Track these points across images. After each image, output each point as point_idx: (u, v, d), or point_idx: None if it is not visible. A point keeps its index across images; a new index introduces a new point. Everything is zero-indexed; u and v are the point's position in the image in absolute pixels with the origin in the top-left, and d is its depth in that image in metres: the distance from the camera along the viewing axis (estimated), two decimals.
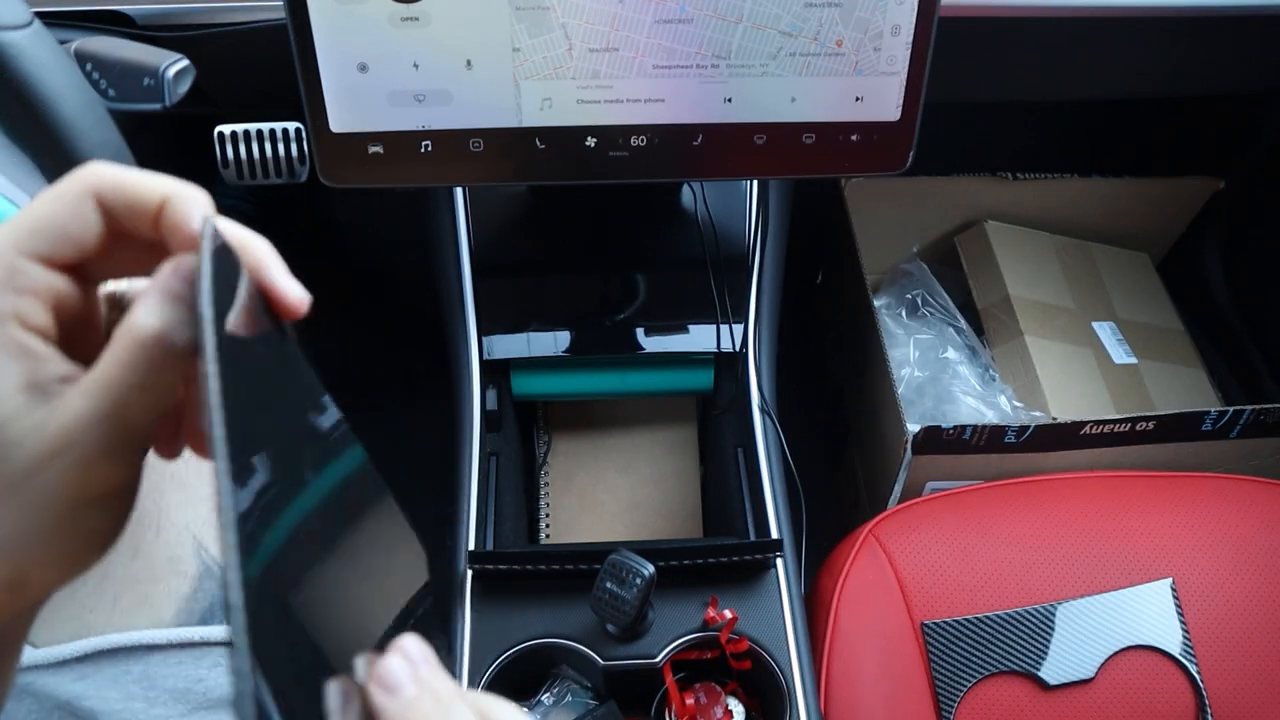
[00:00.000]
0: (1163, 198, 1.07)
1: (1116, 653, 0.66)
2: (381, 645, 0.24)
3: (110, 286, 0.27)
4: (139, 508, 0.47)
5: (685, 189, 0.81)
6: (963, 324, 1.00)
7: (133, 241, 0.25)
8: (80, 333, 0.25)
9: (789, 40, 0.59)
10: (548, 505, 0.84)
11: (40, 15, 0.39)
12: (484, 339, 0.75)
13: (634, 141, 0.62)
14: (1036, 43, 0.74)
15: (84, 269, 0.25)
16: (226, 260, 0.24)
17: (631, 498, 0.85)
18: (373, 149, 0.60)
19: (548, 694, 0.63)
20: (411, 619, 0.27)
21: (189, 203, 0.24)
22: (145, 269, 0.25)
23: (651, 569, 0.58)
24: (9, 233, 0.23)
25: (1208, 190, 1.06)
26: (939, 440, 0.80)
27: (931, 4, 0.58)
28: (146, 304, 0.23)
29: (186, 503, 0.54)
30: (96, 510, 0.24)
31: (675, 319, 0.78)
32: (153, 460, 0.49)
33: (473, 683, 0.61)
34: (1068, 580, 0.69)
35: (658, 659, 0.61)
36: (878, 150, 0.63)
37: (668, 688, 0.62)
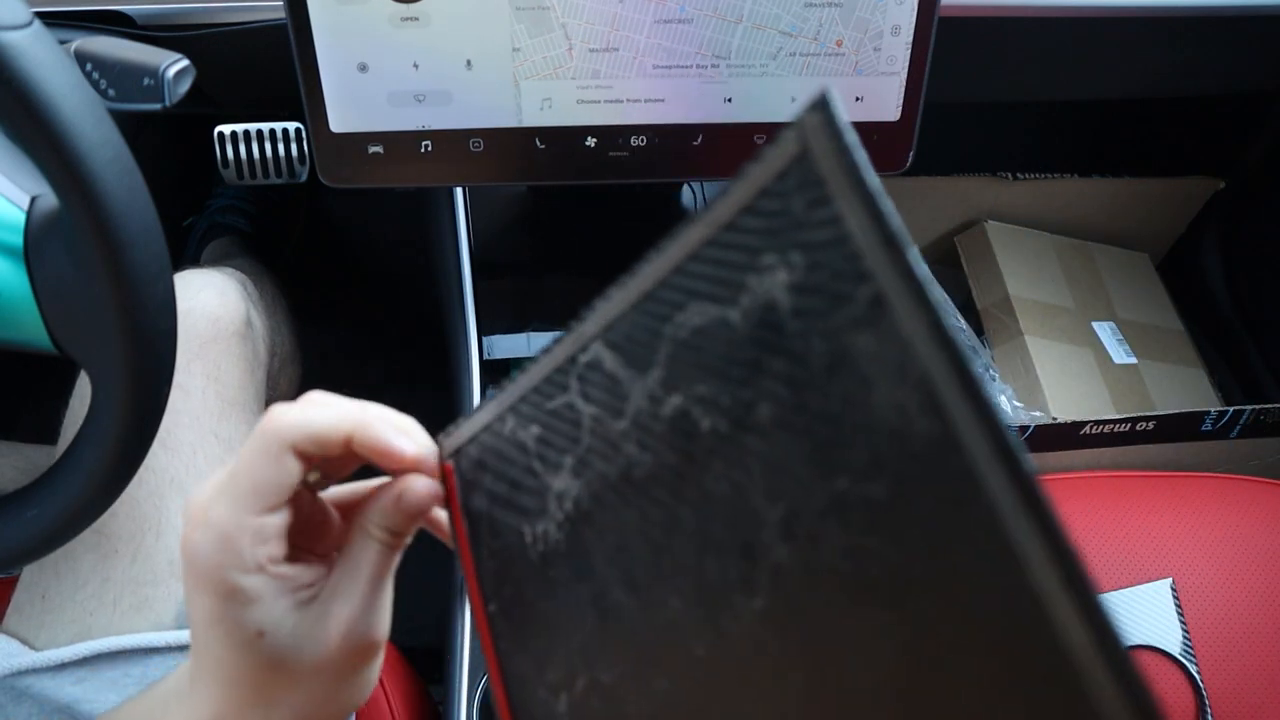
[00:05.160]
0: (1163, 198, 1.06)
1: None
2: None
3: (331, 494, 0.32)
4: (139, 511, 0.48)
5: (685, 189, 0.81)
6: (963, 324, 1.00)
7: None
8: (310, 522, 0.31)
9: (789, 40, 0.59)
10: None
11: (40, 15, 0.39)
12: (484, 339, 0.75)
13: (634, 141, 0.62)
14: (1036, 43, 0.74)
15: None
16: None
17: None
18: (373, 149, 0.60)
19: None
20: None
21: (372, 432, 0.29)
22: (350, 468, 0.31)
23: None
24: (233, 500, 0.28)
25: (1208, 190, 1.06)
26: None
27: (931, 4, 0.58)
28: (374, 520, 0.30)
29: None
30: (369, 668, 0.32)
31: None
32: (152, 464, 0.50)
33: (473, 681, 0.61)
34: None
35: None
36: (878, 150, 0.63)
37: None
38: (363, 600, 0.29)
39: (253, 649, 0.28)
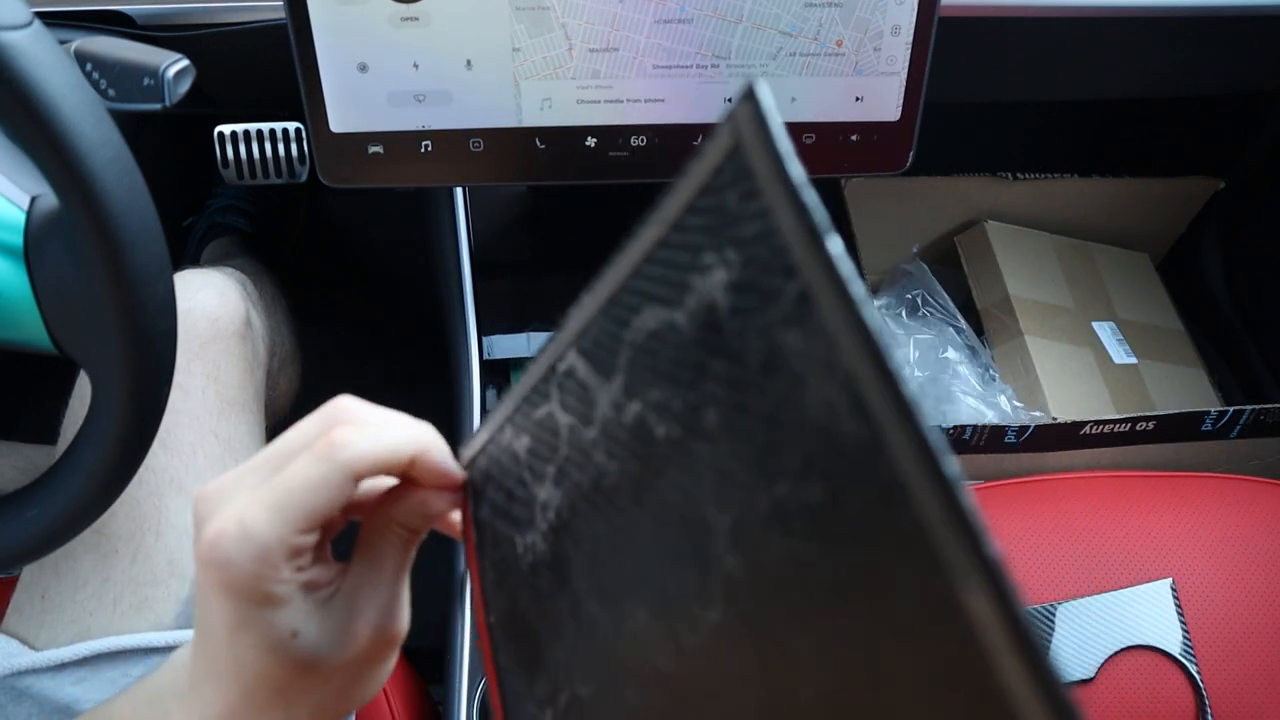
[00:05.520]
0: (1163, 198, 1.06)
1: (1116, 653, 0.66)
2: None
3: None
4: (138, 511, 0.48)
5: None
6: (963, 324, 1.00)
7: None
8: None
9: (789, 40, 0.59)
10: None
11: (40, 15, 0.39)
12: (484, 339, 0.75)
13: (634, 141, 0.62)
14: (1036, 43, 0.74)
15: None
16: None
17: None
18: (373, 149, 0.60)
19: None
20: None
21: (433, 458, 0.29)
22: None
23: None
24: (280, 518, 0.27)
25: (1208, 190, 1.06)
26: None
27: (931, 4, 0.58)
28: (398, 519, 0.30)
29: (186, 507, 0.54)
30: (388, 661, 0.32)
31: None
32: (152, 464, 0.50)
33: (473, 681, 0.61)
34: (1068, 580, 0.69)
35: None
36: (878, 150, 0.63)
37: None
38: (389, 594, 0.30)
39: (285, 651, 0.28)
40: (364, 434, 0.27)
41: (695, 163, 0.20)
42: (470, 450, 0.30)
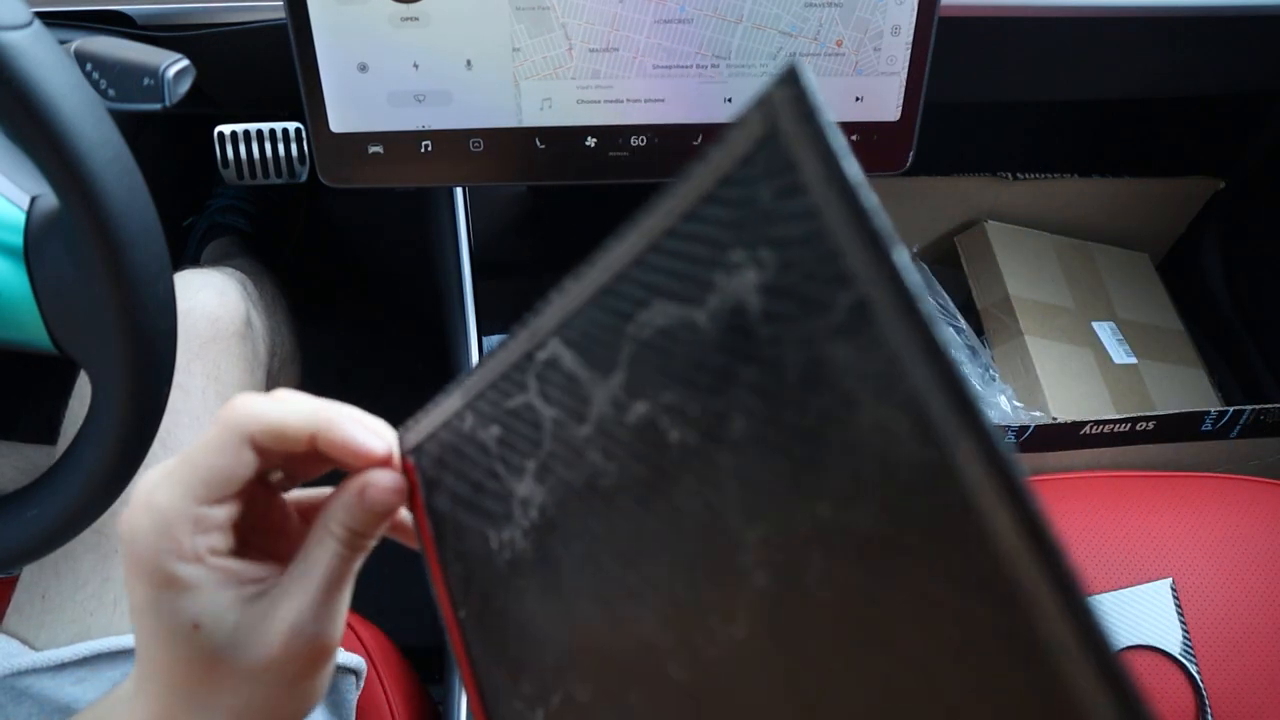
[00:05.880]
0: (1163, 198, 1.06)
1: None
2: None
3: (293, 495, 0.31)
4: None
5: None
6: (963, 324, 1.00)
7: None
8: (267, 521, 0.30)
9: (789, 40, 0.59)
10: None
11: (40, 15, 0.39)
12: (484, 339, 0.75)
13: (634, 141, 0.62)
14: (1036, 43, 0.74)
15: (261, 480, 0.29)
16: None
17: None
18: (373, 149, 0.60)
19: None
20: None
21: (339, 430, 0.27)
22: (316, 471, 0.30)
23: None
24: (181, 487, 0.27)
25: (1208, 190, 1.06)
26: None
27: (931, 4, 0.58)
28: (335, 517, 0.28)
29: None
30: (318, 675, 0.29)
31: None
32: (152, 464, 0.49)
33: None
34: None
35: None
36: (878, 150, 0.63)
37: None
38: (313, 601, 0.27)
39: (186, 642, 0.27)
40: (259, 400, 0.27)
41: (716, 150, 0.18)
42: (416, 435, 0.28)
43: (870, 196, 0.16)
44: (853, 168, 0.16)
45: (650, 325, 0.20)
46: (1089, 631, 0.13)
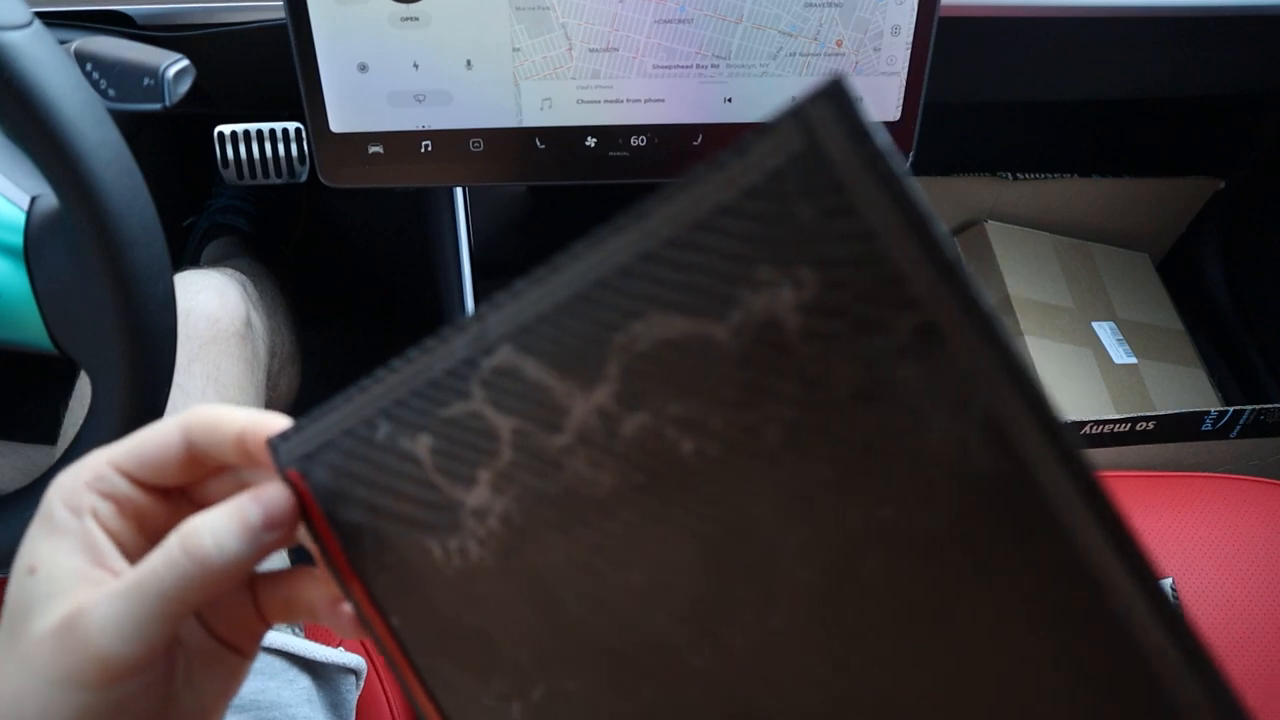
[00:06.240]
0: (1163, 198, 1.07)
1: None
2: None
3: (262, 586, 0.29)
4: None
5: None
6: None
7: (229, 476, 0.27)
8: (226, 605, 0.28)
9: (789, 40, 0.59)
10: None
11: (40, 15, 0.39)
12: None
13: (634, 141, 0.62)
14: (1036, 43, 0.74)
15: (187, 496, 0.28)
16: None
17: None
18: (373, 149, 0.60)
19: None
20: None
21: (268, 427, 0.26)
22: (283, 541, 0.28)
23: None
24: (110, 450, 0.26)
25: (1208, 190, 1.06)
26: None
27: (931, 4, 0.58)
28: (211, 520, 0.25)
29: None
30: (128, 680, 0.25)
31: None
32: None
33: None
34: None
35: None
36: None
37: None
38: (122, 606, 0.24)
39: (17, 581, 0.25)
40: (211, 405, 0.27)
41: (734, 160, 0.18)
42: (302, 445, 0.26)
43: (940, 227, 0.16)
44: (922, 198, 0.16)
45: (647, 337, 0.19)
46: (1173, 620, 0.15)
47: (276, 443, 0.26)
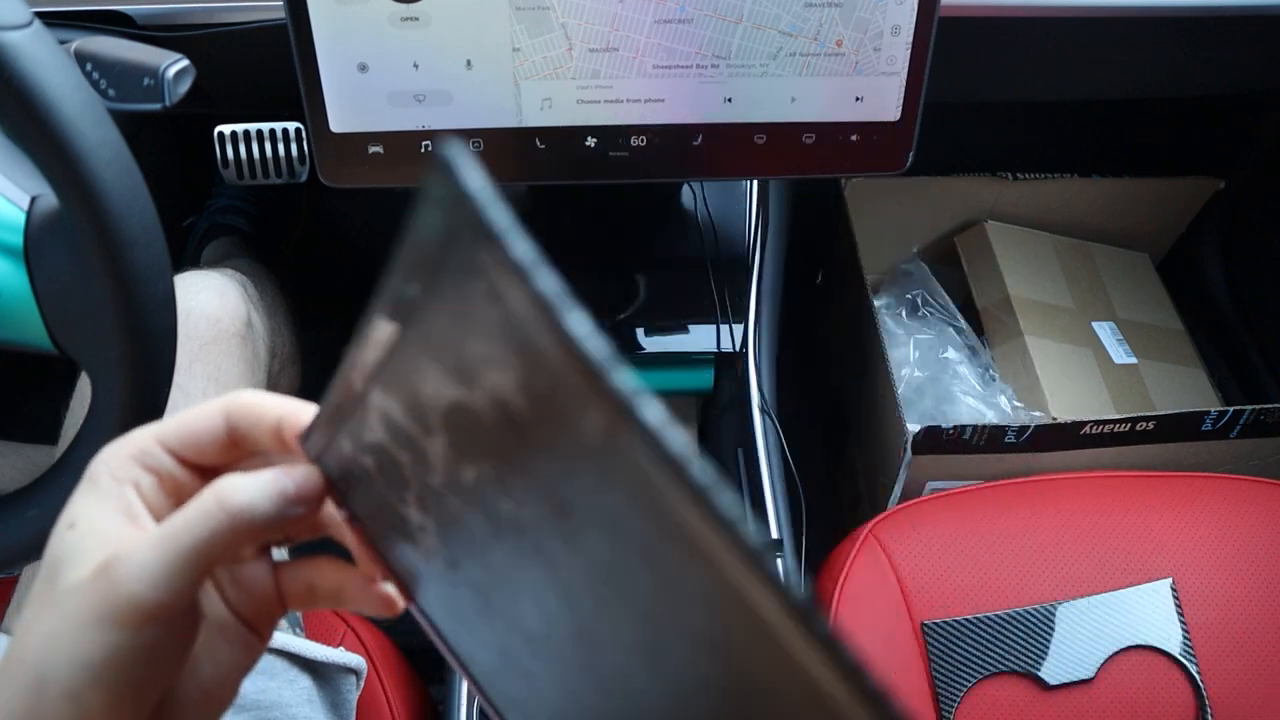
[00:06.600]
0: (1163, 198, 1.07)
1: (1116, 653, 0.66)
2: None
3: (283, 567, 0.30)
4: None
5: (685, 189, 0.81)
6: (963, 324, 1.00)
7: (260, 460, 0.28)
8: (246, 576, 0.29)
9: (789, 40, 0.59)
10: None
11: (40, 15, 0.39)
12: None
13: (634, 141, 0.62)
14: (1036, 43, 0.74)
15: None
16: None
17: None
18: (373, 149, 0.60)
19: None
20: None
21: (299, 420, 0.27)
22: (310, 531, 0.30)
23: None
24: (156, 427, 0.28)
25: (1208, 190, 1.06)
26: (939, 440, 0.80)
27: (931, 4, 0.58)
28: (248, 480, 0.26)
29: None
30: (157, 625, 0.26)
31: (675, 319, 0.78)
32: None
33: None
34: (1068, 580, 0.69)
35: None
36: (878, 150, 0.63)
37: None
38: (160, 556, 0.25)
39: (58, 537, 0.26)
40: (251, 391, 0.28)
41: (406, 253, 0.18)
42: (315, 445, 0.27)
43: (576, 315, 0.16)
44: (544, 276, 0.16)
45: (443, 395, 0.20)
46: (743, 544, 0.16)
47: (306, 434, 0.27)
